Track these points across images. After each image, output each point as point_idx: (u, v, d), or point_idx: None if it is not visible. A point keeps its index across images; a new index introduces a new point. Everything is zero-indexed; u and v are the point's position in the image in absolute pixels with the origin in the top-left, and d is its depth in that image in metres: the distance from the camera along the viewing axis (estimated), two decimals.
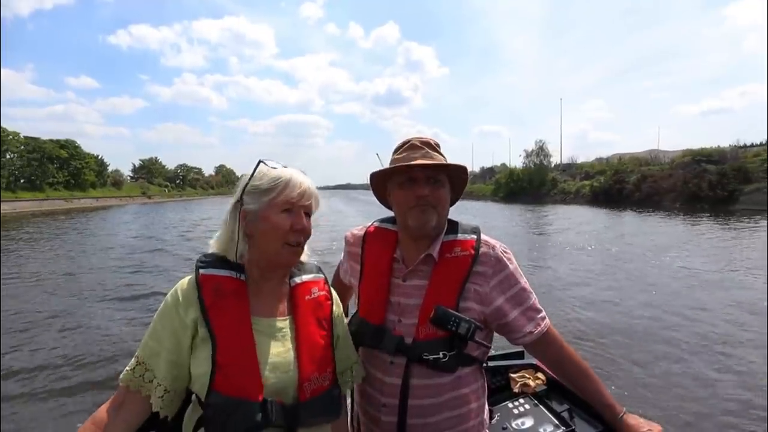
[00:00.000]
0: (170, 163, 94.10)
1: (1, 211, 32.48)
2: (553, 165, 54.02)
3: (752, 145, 37.84)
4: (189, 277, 0.94)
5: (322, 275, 1.08)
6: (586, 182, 41.24)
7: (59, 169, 46.85)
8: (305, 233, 0.96)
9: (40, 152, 43.95)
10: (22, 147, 42.27)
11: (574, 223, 20.88)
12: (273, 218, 0.92)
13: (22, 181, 42.02)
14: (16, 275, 9.41)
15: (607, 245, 12.69)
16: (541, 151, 50.24)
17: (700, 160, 33.77)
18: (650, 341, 5.09)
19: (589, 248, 12.28)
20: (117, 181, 65.02)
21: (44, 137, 44.70)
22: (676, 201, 30.17)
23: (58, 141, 48.58)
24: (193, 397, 0.94)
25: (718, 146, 38.26)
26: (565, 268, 9.58)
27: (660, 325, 5.66)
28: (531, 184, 47.70)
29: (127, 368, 0.89)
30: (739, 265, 9.39)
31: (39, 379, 4.35)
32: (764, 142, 36.21)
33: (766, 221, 17.87)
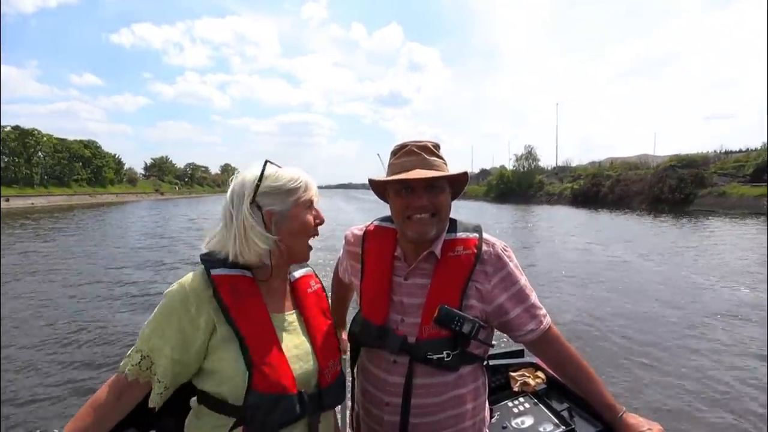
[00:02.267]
0: (173, 161, 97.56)
1: (36, 204, 36.27)
2: (550, 168, 57.43)
3: (736, 151, 40.62)
4: (193, 273, 0.93)
5: (311, 269, 1.13)
6: (568, 185, 44.75)
7: (83, 167, 50.96)
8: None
9: (68, 152, 48.20)
10: (52, 147, 46.36)
11: (551, 221, 24.32)
12: (302, 216, 0.96)
13: (48, 178, 45.89)
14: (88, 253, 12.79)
15: (571, 241, 14.48)
16: (529, 155, 53.90)
17: (675, 165, 37.11)
18: (647, 340, 5.11)
19: (557, 242, 14.35)
20: (132, 179, 69.14)
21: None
22: (643, 203, 33.54)
23: (81, 141, 52.88)
24: (193, 402, 0.95)
25: (714, 151, 41.55)
26: (539, 259, 10.62)
27: (647, 323, 5.74)
28: (520, 186, 51.33)
29: (132, 363, 0.88)
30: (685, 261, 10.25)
31: (38, 362, 4.53)
32: (748, 147, 39.02)
33: (766, 222, 18.77)
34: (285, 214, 0.95)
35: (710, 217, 23.54)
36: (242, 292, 0.91)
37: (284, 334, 0.95)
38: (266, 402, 0.86)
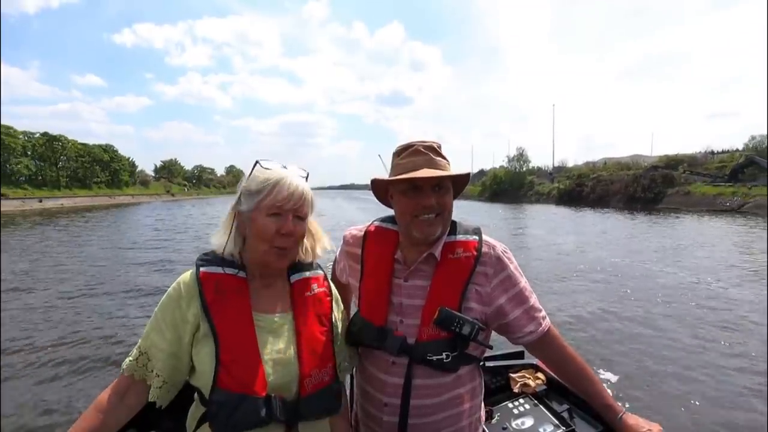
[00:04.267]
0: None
1: (65, 205, 39.68)
2: (546, 168, 60.33)
3: (722, 152, 43.11)
4: (191, 271, 0.96)
5: (321, 271, 1.10)
6: (555, 185, 47.84)
7: (101, 170, 54.70)
8: (293, 237, 0.95)
9: (89, 156, 51.93)
10: (76, 152, 50.17)
11: (533, 218, 27.15)
12: (259, 221, 0.93)
13: (70, 180, 49.51)
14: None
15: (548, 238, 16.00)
16: (521, 156, 57.08)
17: (658, 166, 39.97)
18: (643, 338, 5.10)
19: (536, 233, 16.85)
20: (144, 181, 72.84)
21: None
22: (620, 201, 36.29)
23: (100, 145, 56.76)
24: (195, 395, 0.97)
25: (711, 151, 43.74)
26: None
27: (649, 322, 5.67)
28: (512, 186, 54.48)
29: (130, 358, 0.92)
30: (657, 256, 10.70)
31: (41, 362, 4.43)
32: (732, 148, 41.76)
33: (766, 221, 18.99)
34: (248, 216, 0.95)
35: (673, 214, 25.82)
36: (226, 290, 0.93)
37: (268, 336, 0.94)
38: (229, 400, 0.86)
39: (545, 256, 11.18)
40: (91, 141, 48.74)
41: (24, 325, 5.68)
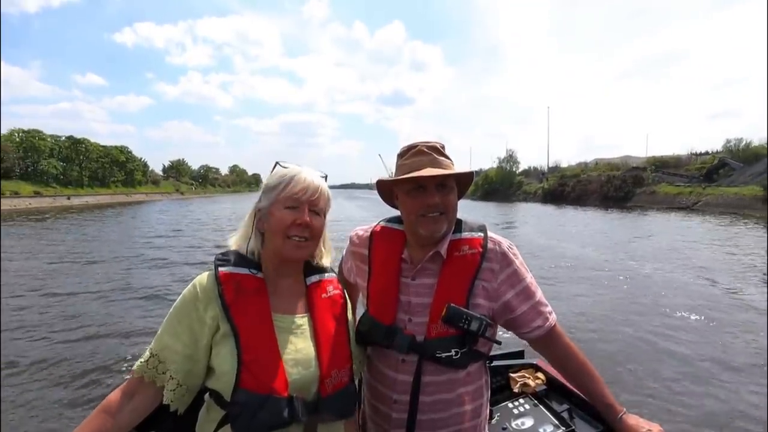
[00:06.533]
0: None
1: (90, 202, 43.39)
2: (541, 168, 63.63)
3: (705, 153, 45.52)
4: (207, 273, 0.97)
5: (334, 274, 1.13)
6: (540, 185, 51.49)
7: (118, 170, 58.61)
8: (310, 229, 0.98)
9: (108, 157, 55.79)
10: (97, 153, 53.95)
11: (516, 214, 30.13)
12: (277, 213, 0.97)
13: (90, 180, 53.31)
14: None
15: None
16: (510, 158, 60.77)
17: (637, 167, 43.27)
18: (646, 339, 5.02)
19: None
20: (155, 180, 76.65)
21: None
22: (597, 200, 39.80)
23: (117, 147, 60.45)
24: (207, 397, 0.98)
25: (706, 152, 45.45)
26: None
27: (650, 322, 5.61)
28: (502, 185, 58.14)
29: (141, 360, 0.92)
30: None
31: (47, 364, 4.33)
32: (714, 149, 43.82)
33: (766, 221, 18.96)
34: (266, 211, 0.99)
35: (638, 211, 28.82)
36: (246, 290, 0.95)
37: (289, 336, 0.96)
38: (252, 401, 0.86)
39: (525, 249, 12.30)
40: (93, 141, 52.52)
41: (34, 319, 5.69)
